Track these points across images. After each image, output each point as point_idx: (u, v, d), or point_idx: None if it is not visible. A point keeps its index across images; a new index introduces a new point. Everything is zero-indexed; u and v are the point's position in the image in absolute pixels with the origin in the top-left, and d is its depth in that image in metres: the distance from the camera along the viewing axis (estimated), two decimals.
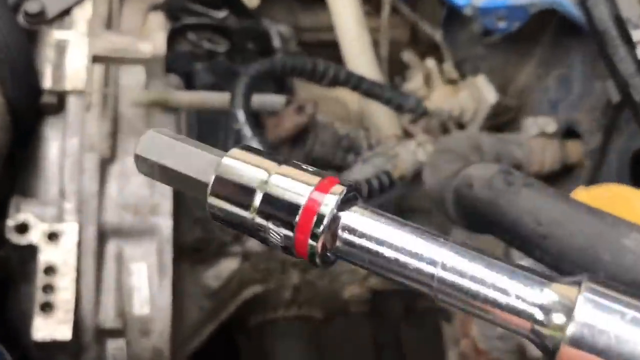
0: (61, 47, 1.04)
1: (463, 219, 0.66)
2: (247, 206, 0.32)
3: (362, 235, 0.31)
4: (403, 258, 0.30)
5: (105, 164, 1.02)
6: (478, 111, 1.15)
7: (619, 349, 0.25)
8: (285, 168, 0.32)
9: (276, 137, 1.13)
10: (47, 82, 1.02)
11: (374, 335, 2.62)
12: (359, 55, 1.29)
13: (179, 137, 0.37)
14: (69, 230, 0.95)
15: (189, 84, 1.11)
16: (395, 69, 1.57)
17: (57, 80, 1.02)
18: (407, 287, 0.31)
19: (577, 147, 1.01)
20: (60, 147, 1.01)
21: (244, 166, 0.33)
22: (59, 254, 0.93)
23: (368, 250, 0.31)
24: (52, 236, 0.94)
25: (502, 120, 1.23)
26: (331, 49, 1.41)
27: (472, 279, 0.29)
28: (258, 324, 1.60)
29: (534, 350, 0.81)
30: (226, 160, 0.34)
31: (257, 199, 0.32)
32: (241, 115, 0.86)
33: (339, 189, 0.31)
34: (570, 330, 0.26)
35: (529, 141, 1.01)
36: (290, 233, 0.32)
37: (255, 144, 0.84)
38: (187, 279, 1.28)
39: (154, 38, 1.03)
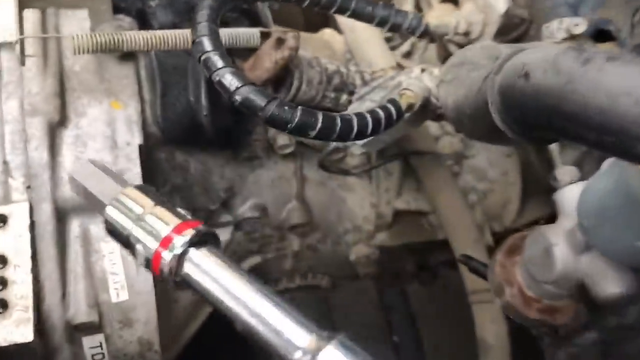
0: None
1: (518, 126, 0.49)
2: (126, 231, 0.46)
3: (200, 271, 0.42)
4: (225, 298, 0.40)
5: (54, 129, 0.85)
6: (487, 24, 0.98)
7: None
8: (158, 209, 0.46)
9: (255, 79, 0.95)
10: None
11: (380, 298, 2.49)
12: None
13: (104, 169, 0.51)
14: (18, 211, 0.79)
15: (144, 25, 0.94)
16: None
17: None
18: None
19: (613, 49, 0.85)
20: None
21: (129, 202, 0.48)
22: (8, 241, 0.77)
23: (202, 283, 0.42)
24: None
25: (512, 36, 1.06)
26: None
27: (260, 318, 0.41)
28: None
29: (600, 292, 0.66)
30: (119, 196, 0.48)
31: (133, 228, 0.45)
32: (207, 42, 0.68)
33: (191, 232, 0.45)
34: None
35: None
36: (150, 257, 0.42)
37: (228, 76, 0.67)
38: None
39: None
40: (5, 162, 0.81)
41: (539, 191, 1.46)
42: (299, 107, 0.70)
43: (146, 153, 0.96)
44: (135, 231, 0.43)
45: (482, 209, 1.38)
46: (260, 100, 0.68)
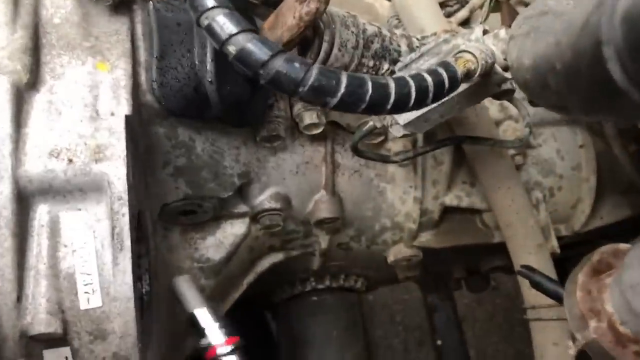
0: None
1: None
2: None
3: None
4: None
5: (22, 93, 0.69)
6: None
7: None
8: None
9: (276, 41, 0.77)
10: None
11: (424, 298, 2.29)
12: None
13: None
14: None
15: None
16: None
17: None
18: None
19: None
20: None
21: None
22: None
23: None
24: None
25: None
26: None
27: None
28: (284, 300, 1.28)
29: None
30: None
31: None
32: None
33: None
34: None
35: None
36: None
37: (221, 18, 0.49)
38: (178, 251, 0.96)
39: None
40: None
41: (616, 190, 1.24)
42: (315, 65, 0.52)
43: (141, 127, 0.80)
44: None
45: (548, 209, 1.16)
46: (261, 53, 0.50)
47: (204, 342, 0.76)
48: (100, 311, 0.66)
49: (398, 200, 1.10)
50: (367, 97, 0.53)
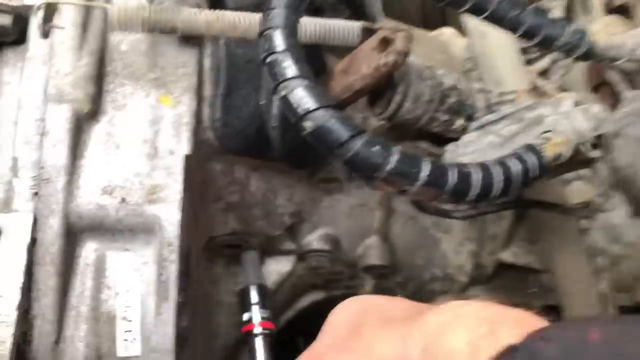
0: None
1: None
2: None
3: None
4: None
5: (82, 123, 0.67)
6: None
7: None
8: None
9: (346, 88, 0.73)
10: None
11: None
12: None
13: None
14: (17, 223, 0.61)
15: (218, 4, 0.73)
16: None
17: None
18: None
19: None
20: (17, 95, 0.67)
21: None
22: None
23: None
24: None
25: None
26: None
27: None
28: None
29: None
30: None
31: None
32: (279, 38, 0.47)
33: None
34: None
35: None
36: None
37: (300, 91, 0.46)
38: (220, 285, 0.93)
39: None
40: (14, 158, 0.64)
41: None
42: (397, 149, 0.47)
43: (199, 162, 0.77)
44: None
45: (611, 278, 1.09)
46: (340, 132, 0.46)
47: (245, 316, 0.81)
48: None
49: (452, 252, 1.05)
50: (448, 188, 0.48)
